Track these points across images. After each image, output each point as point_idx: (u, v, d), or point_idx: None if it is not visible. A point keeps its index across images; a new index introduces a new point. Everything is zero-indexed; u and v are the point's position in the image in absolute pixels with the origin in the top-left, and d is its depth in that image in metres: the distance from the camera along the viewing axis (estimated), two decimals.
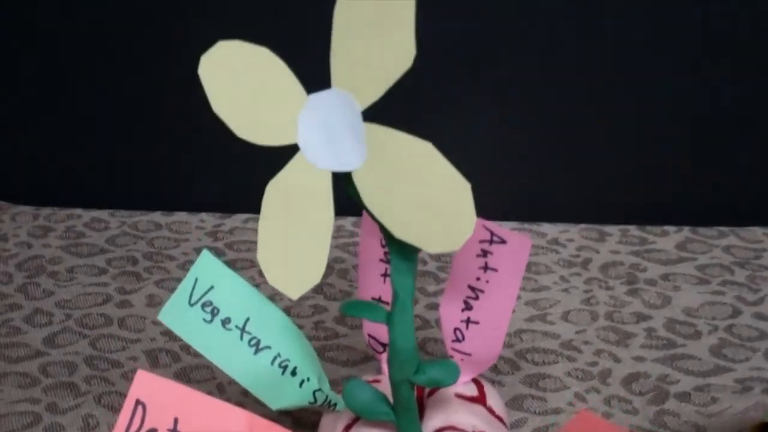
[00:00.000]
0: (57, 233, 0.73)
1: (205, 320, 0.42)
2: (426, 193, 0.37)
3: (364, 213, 0.47)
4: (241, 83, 0.41)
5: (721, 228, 0.70)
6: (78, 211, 0.77)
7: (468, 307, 0.43)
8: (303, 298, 0.63)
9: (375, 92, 0.37)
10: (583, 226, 0.71)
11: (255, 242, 0.73)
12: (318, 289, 0.64)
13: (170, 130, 0.77)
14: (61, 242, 0.72)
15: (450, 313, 0.44)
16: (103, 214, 0.76)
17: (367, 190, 0.39)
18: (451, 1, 0.69)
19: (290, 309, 0.62)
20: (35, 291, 0.66)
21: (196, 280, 0.42)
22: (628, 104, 0.71)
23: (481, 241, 0.42)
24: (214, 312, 0.42)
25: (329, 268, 0.67)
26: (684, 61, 0.69)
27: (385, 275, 0.46)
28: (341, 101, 0.39)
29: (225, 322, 0.42)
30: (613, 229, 0.71)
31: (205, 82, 0.41)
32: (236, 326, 0.42)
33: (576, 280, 0.64)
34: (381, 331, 0.46)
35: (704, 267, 0.66)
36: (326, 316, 0.62)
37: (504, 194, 0.72)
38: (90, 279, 0.67)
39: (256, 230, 0.74)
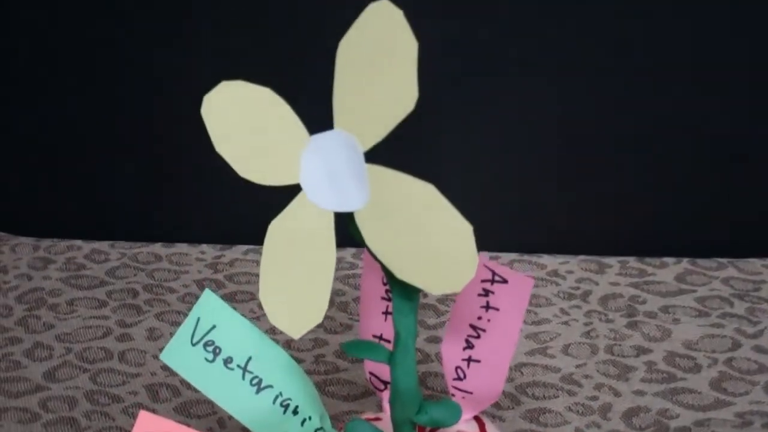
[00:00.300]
0: (57, 265, 0.74)
1: (207, 360, 0.42)
2: (428, 236, 0.37)
3: (366, 250, 0.47)
4: (244, 123, 0.41)
5: (720, 260, 0.70)
6: (78, 242, 0.77)
7: (469, 345, 0.43)
8: None
9: (377, 134, 0.38)
10: (582, 257, 0.72)
11: (255, 274, 0.74)
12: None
13: (171, 161, 0.77)
14: (61, 274, 0.72)
15: (451, 352, 0.44)
16: (103, 245, 0.76)
17: (369, 230, 0.39)
18: (448, 38, 0.69)
19: (290, 342, 0.62)
20: (35, 324, 0.66)
21: (198, 319, 0.42)
22: (626, 136, 0.71)
23: (483, 281, 0.42)
24: (216, 351, 0.42)
25: (329, 301, 0.67)
26: (684, 94, 0.70)
27: (386, 313, 0.46)
28: (344, 142, 0.39)
29: (227, 361, 0.42)
30: (612, 261, 0.71)
31: (208, 122, 0.42)
32: (238, 366, 0.42)
33: (576, 313, 0.65)
34: (382, 368, 0.46)
35: (704, 299, 0.66)
36: (327, 350, 0.62)
37: (503, 225, 0.72)
38: (90, 312, 0.67)
39: (256, 262, 0.74)
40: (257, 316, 0.65)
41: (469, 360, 0.43)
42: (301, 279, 0.41)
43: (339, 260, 0.73)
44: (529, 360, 0.60)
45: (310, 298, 0.41)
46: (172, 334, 0.64)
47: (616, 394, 0.57)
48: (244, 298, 0.68)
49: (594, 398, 0.56)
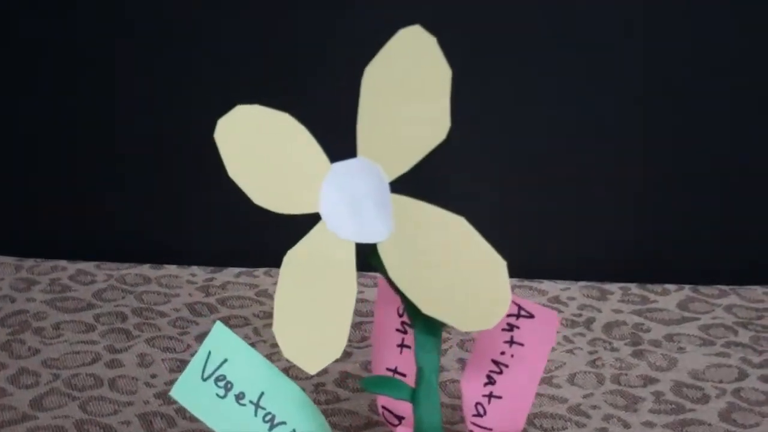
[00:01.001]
0: (41, 286, 0.71)
1: (218, 395, 0.40)
2: (458, 270, 0.35)
3: (381, 281, 0.45)
4: (260, 149, 0.39)
5: (722, 287, 0.70)
6: (63, 262, 0.74)
7: (491, 381, 0.42)
8: None
9: (404, 164, 0.36)
10: (582, 283, 0.70)
11: (248, 298, 0.72)
12: None
13: (159, 180, 0.75)
14: (45, 296, 0.70)
15: (472, 388, 0.42)
16: (88, 266, 0.74)
17: (393, 263, 0.37)
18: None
19: (289, 370, 0.60)
20: (20, 349, 0.63)
21: (210, 353, 0.40)
22: (627, 162, 0.70)
23: (508, 315, 0.41)
24: (228, 387, 0.40)
25: None
26: (683, 123, 0.69)
27: (402, 346, 0.44)
28: (367, 171, 0.37)
29: (239, 397, 0.40)
30: (614, 287, 0.70)
31: (222, 147, 0.40)
32: (250, 401, 0.40)
33: (580, 341, 0.63)
34: (396, 403, 0.45)
35: (708, 327, 0.65)
36: (326, 378, 0.60)
37: (504, 250, 0.71)
38: (78, 336, 0.65)
39: (249, 285, 0.72)
40: (252, 343, 0.63)
41: (490, 396, 0.42)
42: (319, 311, 0.39)
43: None
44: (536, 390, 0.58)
45: (329, 331, 0.39)
46: (164, 361, 0.63)
47: (626, 425, 0.55)
48: (237, 323, 0.66)
49: (603, 430, 0.55)
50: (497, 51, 0.69)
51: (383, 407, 0.46)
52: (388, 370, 0.45)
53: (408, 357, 0.44)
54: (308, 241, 0.39)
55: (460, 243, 0.35)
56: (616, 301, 0.68)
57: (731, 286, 0.69)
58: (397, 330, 0.44)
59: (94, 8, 0.72)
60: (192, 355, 0.63)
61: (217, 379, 0.40)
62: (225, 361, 0.40)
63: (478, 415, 0.42)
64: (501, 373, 0.41)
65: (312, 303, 0.39)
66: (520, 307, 0.40)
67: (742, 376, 0.60)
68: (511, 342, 0.41)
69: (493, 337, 0.41)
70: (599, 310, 0.67)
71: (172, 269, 0.73)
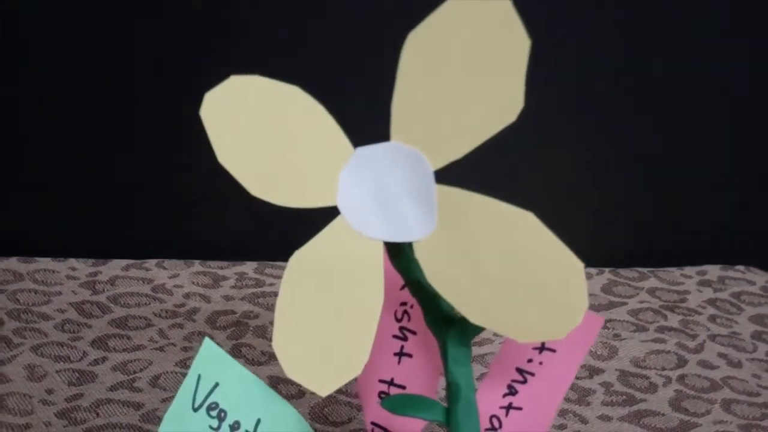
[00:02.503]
0: None
1: (211, 428, 0.33)
2: (523, 273, 0.30)
3: None
4: (261, 130, 0.33)
5: (640, 269, 0.69)
6: None
7: (512, 392, 0.37)
8: None
9: (456, 150, 0.31)
10: None
11: (145, 295, 0.63)
12: (237, 353, 0.55)
13: (27, 153, 0.65)
14: None
15: (488, 398, 0.37)
16: None
17: (433, 265, 0.32)
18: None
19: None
20: None
21: (199, 377, 0.33)
22: (529, 148, 0.68)
23: None
24: (221, 416, 0.33)
25: (243, 326, 0.58)
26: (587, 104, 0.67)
27: (400, 354, 0.39)
28: (403, 158, 0.32)
29: (234, 427, 0.33)
30: None
31: (209, 126, 0.33)
32: (246, 431, 0.34)
33: None
34: (388, 417, 0.39)
35: (637, 312, 0.64)
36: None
37: None
38: None
39: (142, 280, 0.64)
40: (161, 347, 0.55)
41: (508, 408, 0.37)
42: (335, 322, 0.33)
43: (240, 276, 0.64)
44: None
45: (347, 345, 0.33)
46: (59, 372, 0.54)
47: (583, 420, 0.53)
48: (138, 324, 0.58)
49: (562, 427, 0.52)
50: None
51: (373, 423, 0.40)
52: (382, 381, 0.39)
53: (408, 367, 0.39)
54: (323, 240, 0.33)
55: (526, 242, 0.30)
56: None
57: (649, 269, 0.69)
58: (395, 337, 0.39)
59: None
60: (90, 364, 0.54)
61: (209, 408, 0.33)
62: (216, 385, 0.34)
63: (492, 429, 0.38)
64: (525, 382, 0.37)
65: (326, 312, 0.33)
66: None
67: (682, 362, 0.59)
68: (542, 348, 0.37)
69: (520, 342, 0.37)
70: None
71: (46, 263, 0.64)
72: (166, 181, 0.66)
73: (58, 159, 0.65)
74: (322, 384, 0.33)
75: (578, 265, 0.30)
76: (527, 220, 0.30)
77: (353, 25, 0.62)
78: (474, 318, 0.31)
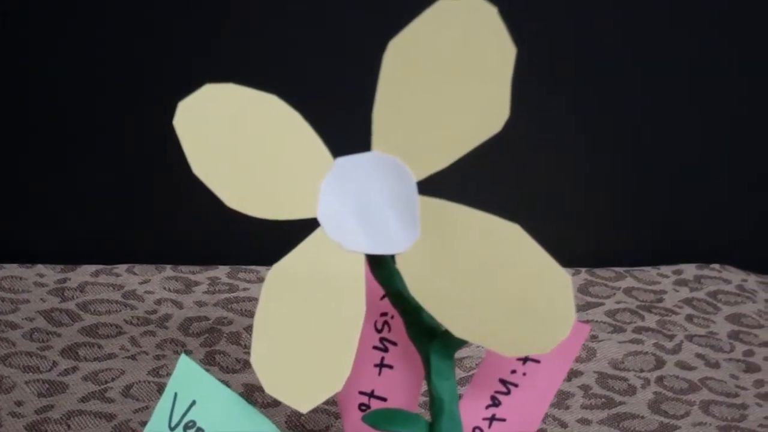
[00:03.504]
0: None
1: None
2: (509, 286, 0.30)
3: None
4: (236, 140, 0.32)
5: (616, 269, 0.68)
6: None
7: (495, 403, 0.36)
8: None
9: (440, 160, 0.30)
10: None
11: (115, 302, 0.62)
12: (211, 360, 0.54)
13: None
14: None
15: (471, 410, 0.37)
16: None
17: (416, 278, 0.31)
18: None
19: None
20: None
21: (176, 395, 0.32)
22: (510, 149, 0.67)
23: None
24: None
25: (217, 332, 0.57)
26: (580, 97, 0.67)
27: (380, 366, 0.38)
28: (385, 168, 0.31)
29: None
30: None
31: (183, 137, 0.32)
32: None
33: None
34: (370, 430, 0.38)
35: (614, 312, 0.63)
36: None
37: None
38: None
39: (112, 286, 0.62)
40: (132, 355, 0.54)
41: (491, 419, 0.37)
42: (315, 337, 0.32)
43: (213, 281, 0.63)
44: None
45: (328, 360, 0.32)
46: (28, 383, 0.52)
47: (562, 425, 0.52)
48: (109, 332, 0.57)
49: (542, 431, 0.52)
50: None
51: None
52: (362, 393, 0.39)
53: (389, 379, 0.38)
54: (303, 252, 0.32)
55: (512, 254, 0.30)
56: None
57: (625, 268, 0.68)
58: (375, 348, 0.38)
59: None
60: (60, 375, 0.53)
61: (186, 427, 0.32)
62: (193, 403, 0.33)
63: None
64: (508, 393, 0.36)
65: (306, 327, 0.32)
66: None
67: (660, 363, 0.58)
68: (526, 359, 0.36)
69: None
70: None
71: (12, 269, 0.62)
72: (136, 183, 0.65)
73: (24, 160, 0.63)
74: (303, 400, 0.32)
75: (566, 278, 0.30)
76: (513, 232, 0.30)
77: (332, 32, 0.61)
78: (457, 331, 0.31)
